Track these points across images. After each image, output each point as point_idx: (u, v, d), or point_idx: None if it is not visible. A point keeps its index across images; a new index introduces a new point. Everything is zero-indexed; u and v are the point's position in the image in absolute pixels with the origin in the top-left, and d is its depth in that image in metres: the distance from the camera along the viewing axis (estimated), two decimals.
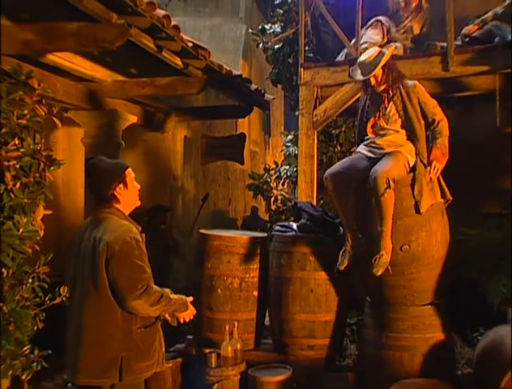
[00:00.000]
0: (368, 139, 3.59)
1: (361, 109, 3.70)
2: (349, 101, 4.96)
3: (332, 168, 3.62)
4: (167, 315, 2.49)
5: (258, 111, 9.37)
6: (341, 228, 3.87)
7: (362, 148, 3.60)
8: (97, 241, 2.33)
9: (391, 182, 3.24)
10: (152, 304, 2.33)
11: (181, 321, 2.54)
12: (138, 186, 2.56)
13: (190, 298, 2.60)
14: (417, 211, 3.38)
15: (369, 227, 3.51)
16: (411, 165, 3.43)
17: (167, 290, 2.47)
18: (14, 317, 2.64)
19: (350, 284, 4.05)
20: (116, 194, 2.44)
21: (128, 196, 2.48)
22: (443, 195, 3.50)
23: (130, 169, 2.54)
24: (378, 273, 3.29)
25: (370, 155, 3.53)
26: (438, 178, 3.50)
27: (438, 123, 3.42)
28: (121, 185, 2.45)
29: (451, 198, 3.52)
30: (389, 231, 3.32)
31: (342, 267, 3.61)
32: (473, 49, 4.56)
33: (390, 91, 3.46)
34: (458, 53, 4.52)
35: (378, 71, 3.43)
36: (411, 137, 3.47)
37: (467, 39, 4.79)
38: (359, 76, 3.50)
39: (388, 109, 3.47)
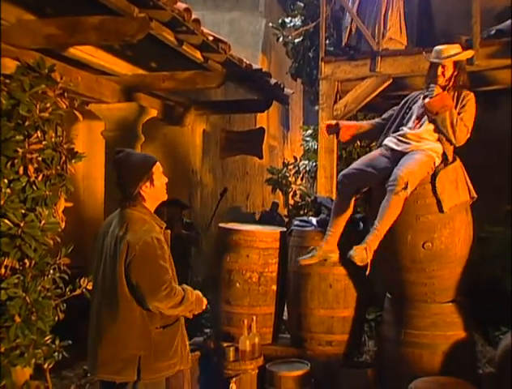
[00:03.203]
0: (401, 130, 3.51)
1: (406, 101, 3.59)
2: (370, 96, 4.90)
3: (349, 168, 3.58)
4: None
5: (277, 105, 9.33)
6: (361, 224, 3.84)
7: (390, 140, 3.51)
8: (119, 239, 2.30)
9: (410, 185, 3.15)
10: (173, 307, 2.31)
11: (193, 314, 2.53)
12: (166, 180, 2.50)
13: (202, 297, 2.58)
14: (440, 210, 3.31)
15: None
16: (436, 166, 3.36)
17: (188, 289, 2.44)
18: (36, 307, 2.69)
19: (369, 280, 4.02)
20: (142, 192, 2.38)
21: (154, 193, 2.43)
22: (469, 194, 3.43)
23: (157, 164, 2.46)
24: (354, 260, 3.18)
25: (396, 147, 3.43)
26: (464, 177, 3.43)
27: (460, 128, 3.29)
28: (148, 184, 2.39)
29: (476, 196, 3.45)
30: (383, 232, 3.22)
31: (302, 263, 3.61)
32: (499, 42, 4.46)
33: (447, 90, 3.33)
34: (483, 46, 4.44)
35: (449, 65, 3.33)
36: (442, 139, 3.35)
37: (493, 31, 4.69)
38: (432, 59, 3.40)
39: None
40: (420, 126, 3.41)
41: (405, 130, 3.46)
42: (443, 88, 3.34)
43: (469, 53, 3.46)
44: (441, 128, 3.30)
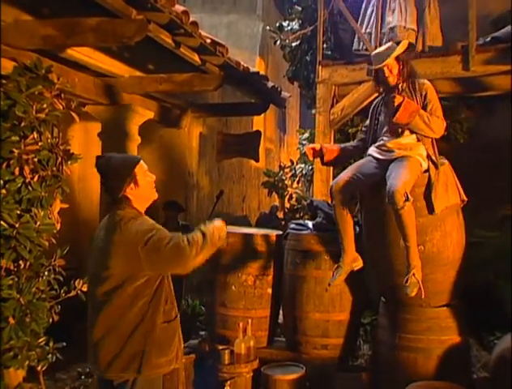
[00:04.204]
0: (379, 141, 3.53)
1: (372, 110, 3.64)
2: (367, 100, 4.92)
3: (338, 177, 3.57)
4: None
5: (274, 108, 9.34)
6: (357, 228, 3.84)
7: (373, 150, 3.54)
8: (115, 239, 2.28)
9: (409, 195, 3.16)
10: (198, 253, 2.24)
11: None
12: (153, 177, 2.46)
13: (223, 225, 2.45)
14: (431, 211, 3.32)
15: (381, 231, 3.48)
16: (424, 169, 3.37)
17: (197, 230, 2.34)
18: (30, 309, 2.68)
19: (364, 284, 4.02)
20: (127, 194, 2.36)
21: (141, 193, 2.39)
22: (459, 197, 3.45)
23: (140, 163, 2.42)
24: (413, 294, 3.19)
25: (380, 157, 3.46)
26: (454, 180, 3.45)
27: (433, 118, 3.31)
28: (132, 185, 2.36)
29: (466, 199, 3.46)
30: (415, 246, 3.22)
31: (334, 284, 3.59)
32: (495, 48, 4.48)
33: (401, 87, 3.38)
34: (479, 52, 4.46)
35: (392, 64, 3.36)
36: (422, 139, 3.37)
37: (489, 38, 4.72)
38: (375, 66, 3.42)
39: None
40: (397, 135, 3.42)
41: (384, 139, 3.49)
42: (395, 86, 3.38)
43: (404, 44, 3.45)
44: (416, 131, 3.33)
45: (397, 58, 3.37)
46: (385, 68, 3.36)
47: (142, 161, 2.45)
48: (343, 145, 3.90)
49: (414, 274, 3.19)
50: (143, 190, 2.40)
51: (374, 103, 3.68)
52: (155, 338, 2.29)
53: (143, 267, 2.24)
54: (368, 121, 3.70)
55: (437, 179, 3.34)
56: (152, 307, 2.30)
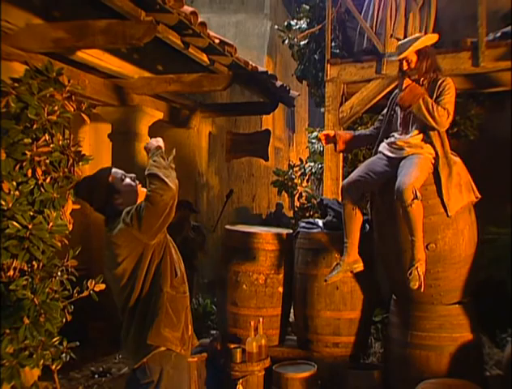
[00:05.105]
0: (390, 137, 3.52)
1: (391, 100, 3.61)
2: (376, 98, 4.90)
3: (349, 177, 3.59)
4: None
5: (282, 107, 9.34)
6: (367, 226, 3.84)
7: (384, 147, 3.53)
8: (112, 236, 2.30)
9: (418, 193, 3.15)
10: (163, 188, 2.19)
11: None
12: (132, 176, 2.44)
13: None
14: (446, 214, 3.32)
15: (391, 229, 3.47)
16: (434, 166, 3.35)
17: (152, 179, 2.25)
18: (44, 309, 2.71)
19: (375, 282, 4.02)
20: (115, 205, 2.36)
21: (128, 197, 2.38)
22: (473, 194, 3.43)
23: (113, 173, 2.39)
24: (415, 287, 3.18)
25: (391, 154, 3.45)
26: (467, 178, 3.43)
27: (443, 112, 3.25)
28: (116, 196, 2.36)
29: (479, 196, 3.45)
30: (421, 242, 3.22)
31: (330, 281, 3.60)
32: (505, 43, 4.45)
33: (421, 82, 3.33)
34: (489, 48, 4.43)
35: (412, 56, 3.30)
36: (430, 138, 3.34)
37: (499, 34, 4.68)
38: (395, 57, 3.39)
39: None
40: (407, 132, 3.41)
41: (395, 136, 3.48)
42: (415, 81, 3.32)
43: (429, 38, 3.37)
44: (419, 117, 3.28)
45: (418, 52, 3.31)
46: (403, 61, 3.33)
47: (114, 169, 2.43)
48: (357, 132, 3.91)
49: (417, 267, 3.17)
50: (128, 194, 2.39)
51: (394, 93, 3.65)
52: (162, 304, 2.28)
53: (142, 238, 2.24)
54: (385, 110, 3.67)
55: (450, 180, 3.32)
56: (159, 272, 2.29)
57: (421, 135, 3.37)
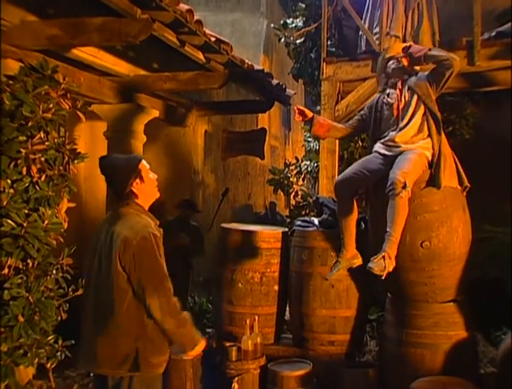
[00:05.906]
0: (385, 136, 3.52)
1: (372, 107, 3.61)
2: (372, 96, 4.88)
3: (343, 174, 3.60)
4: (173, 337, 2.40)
5: (279, 106, 9.34)
6: (362, 224, 3.85)
7: (379, 147, 3.53)
8: (115, 235, 2.33)
9: (408, 184, 3.14)
10: (169, 311, 2.31)
11: (185, 356, 2.53)
12: (155, 176, 2.54)
13: (203, 343, 2.50)
14: (438, 185, 3.27)
15: (385, 225, 3.46)
16: (429, 162, 3.35)
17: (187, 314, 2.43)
18: (39, 307, 2.70)
19: (371, 280, 4.02)
20: (133, 189, 2.43)
21: (146, 189, 2.47)
22: (460, 182, 3.42)
23: (143, 162, 2.51)
24: (373, 271, 3.07)
25: (386, 153, 3.45)
26: (456, 165, 3.43)
27: None
28: (138, 180, 2.44)
29: (468, 186, 3.44)
30: (398, 237, 3.17)
31: (329, 278, 3.63)
32: (500, 43, 4.46)
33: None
34: (484, 47, 4.44)
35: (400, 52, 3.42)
36: (428, 130, 3.36)
37: (494, 33, 4.70)
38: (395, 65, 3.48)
39: (405, 98, 3.40)
40: (403, 119, 3.41)
41: (391, 133, 3.47)
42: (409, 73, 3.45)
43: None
44: (435, 62, 3.32)
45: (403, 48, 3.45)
46: (403, 59, 3.43)
47: (144, 160, 2.53)
48: (335, 123, 3.90)
49: (384, 257, 3.09)
50: (148, 186, 2.48)
51: (374, 99, 3.66)
52: (147, 335, 2.32)
53: (129, 262, 2.28)
54: (363, 112, 3.68)
55: (444, 161, 3.30)
56: (136, 301, 2.32)
57: (419, 123, 3.36)
